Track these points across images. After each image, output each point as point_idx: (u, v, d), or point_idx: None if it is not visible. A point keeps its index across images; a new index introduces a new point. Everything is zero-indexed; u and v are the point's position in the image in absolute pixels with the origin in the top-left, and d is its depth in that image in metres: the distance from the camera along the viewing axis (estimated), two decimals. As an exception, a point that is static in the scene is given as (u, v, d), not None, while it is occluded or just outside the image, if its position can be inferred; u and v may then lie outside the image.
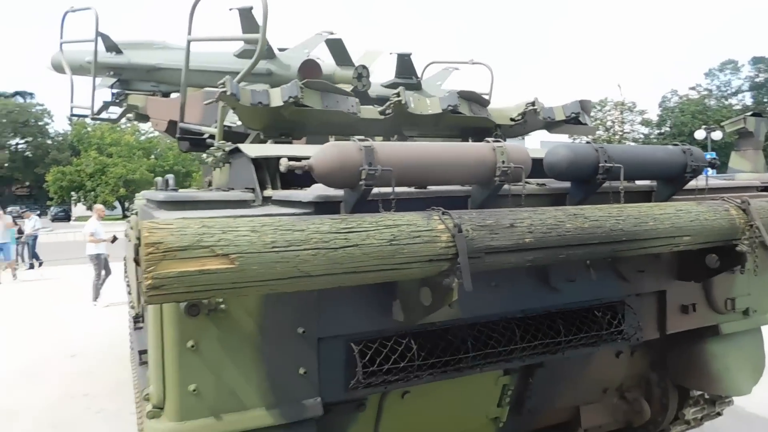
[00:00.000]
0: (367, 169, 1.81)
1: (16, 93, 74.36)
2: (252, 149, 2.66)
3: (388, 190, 1.91)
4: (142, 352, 2.68)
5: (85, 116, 6.72)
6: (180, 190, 2.57)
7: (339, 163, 1.82)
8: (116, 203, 45.41)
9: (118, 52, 6.32)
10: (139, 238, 3.25)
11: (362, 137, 1.91)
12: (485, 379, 2.69)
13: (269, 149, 2.75)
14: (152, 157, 48.84)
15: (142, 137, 49.38)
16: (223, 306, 1.89)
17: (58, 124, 78.59)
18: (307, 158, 1.86)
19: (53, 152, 64.66)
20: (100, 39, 6.12)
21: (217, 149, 3.13)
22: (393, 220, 1.78)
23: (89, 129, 49.24)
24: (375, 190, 1.90)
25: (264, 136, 3.50)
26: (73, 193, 47.95)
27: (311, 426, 2.09)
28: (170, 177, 2.63)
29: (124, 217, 48.46)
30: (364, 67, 5.17)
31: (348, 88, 4.31)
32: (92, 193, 45.39)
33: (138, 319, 3.42)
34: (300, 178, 2.17)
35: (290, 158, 1.83)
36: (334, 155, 1.83)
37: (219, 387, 1.92)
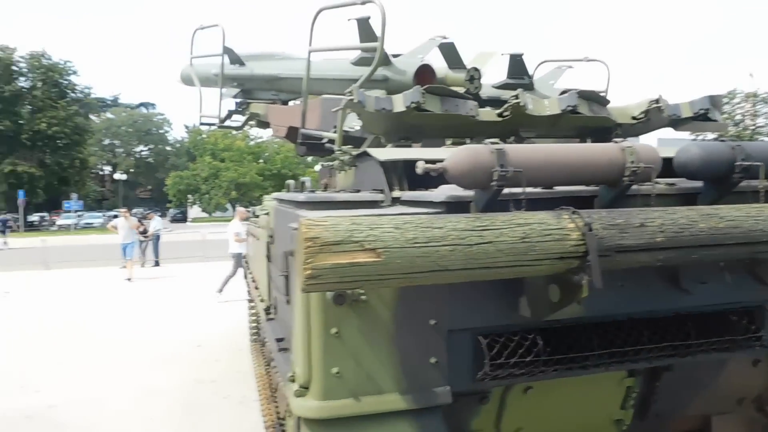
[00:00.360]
0: (499, 170, 1.94)
1: (140, 104, 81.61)
2: (380, 153, 2.86)
3: (518, 190, 2.03)
4: (279, 340, 2.96)
5: (213, 125, 7.34)
6: (317, 192, 2.82)
7: (472, 165, 1.96)
8: (228, 205, 48.64)
9: (242, 64, 6.86)
10: (271, 236, 3.56)
11: (494, 140, 2.03)
12: (609, 380, 2.70)
13: (395, 153, 2.95)
14: (260, 161, 51.70)
15: (252, 142, 52.42)
16: (363, 297, 2.09)
17: (176, 132, 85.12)
18: (441, 161, 2.02)
19: (172, 158, 70.41)
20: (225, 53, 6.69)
21: (344, 153, 3.38)
22: (524, 218, 1.89)
23: (204, 136, 53.01)
24: (505, 190, 2.02)
25: (384, 140, 3.71)
26: (189, 195, 51.87)
27: (438, 413, 2.24)
28: (307, 180, 2.90)
29: (236, 218, 51.56)
30: (476, 69, 5.27)
31: (459, 90, 4.44)
32: (206, 195, 48.87)
33: (269, 311, 3.76)
34: (424, 179, 2.33)
35: (427, 161, 1.99)
36: (468, 158, 1.97)
37: (358, 371, 2.12)
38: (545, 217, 1.91)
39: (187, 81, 7.84)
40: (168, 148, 75.24)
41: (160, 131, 75.96)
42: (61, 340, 8.56)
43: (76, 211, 49.57)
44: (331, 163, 4.35)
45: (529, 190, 2.06)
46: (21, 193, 46.51)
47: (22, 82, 59.76)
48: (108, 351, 7.77)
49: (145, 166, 74.06)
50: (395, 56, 5.40)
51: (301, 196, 2.52)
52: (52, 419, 5.33)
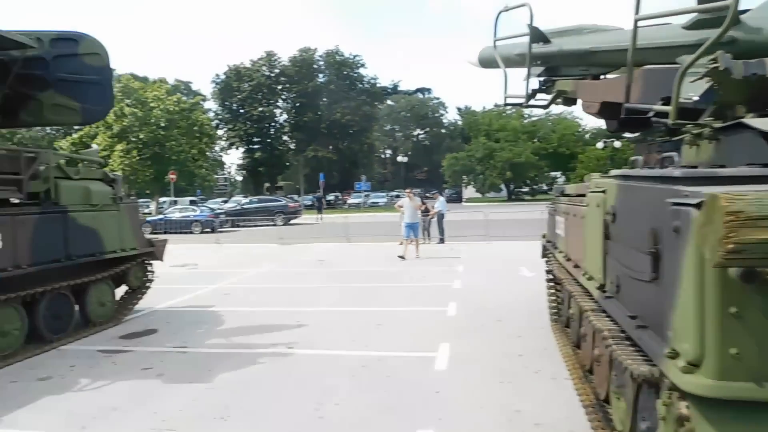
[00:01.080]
0: None
1: (417, 90, 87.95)
2: (765, 124, 2.67)
3: None
4: (633, 317, 3.02)
5: (518, 104, 7.58)
6: (696, 168, 2.77)
7: None
8: (502, 186, 49.80)
9: (546, 42, 6.92)
10: (613, 214, 3.57)
11: None
12: None
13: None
14: (535, 140, 51.43)
15: (526, 121, 52.42)
16: (769, 277, 2.01)
17: (451, 115, 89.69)
18: None
19: (446, 140, 74.54)
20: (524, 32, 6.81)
21: (701, 126, 3.23)
22: None
23: (478, 117, 54.89)
24: None
25: (747, 110, 3.42)
26: (464, 176, 54.34)
27: None
28: (674, 154, 2.86)
29: (510, 199, 52.86)
30: None
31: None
32: (481, 176, 50.55)
33: (603, 289, 3.82)
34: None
35: None
36: None
37: (762, 355, 2.05)
38: None
39: (485, 63, 8.20)
40: (443, 130, 79.86)
41: (436, 115, 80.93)
42: (371, 304, 9.90)
43: (365, 191, 56.05)
44: (658, 138, 4.17)
45: None
46: (321, 175, 54.39)
47: (321, 78, 69.51)
48: (412, 318, 8.73)
49: (422, 149, 79.84)
50: (742, 12, 4.87)
51: (676, 172, 2.51)
52: (384, 370, 6.24)
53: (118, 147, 39.49)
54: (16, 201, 7.44)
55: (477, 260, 15.41)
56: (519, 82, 7.65)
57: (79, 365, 6.85)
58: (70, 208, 8.02)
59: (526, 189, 55.12)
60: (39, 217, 7.47)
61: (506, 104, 7.81)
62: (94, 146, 28.41)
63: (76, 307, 8.47)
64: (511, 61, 7.58)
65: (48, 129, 51.92)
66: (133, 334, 8.40)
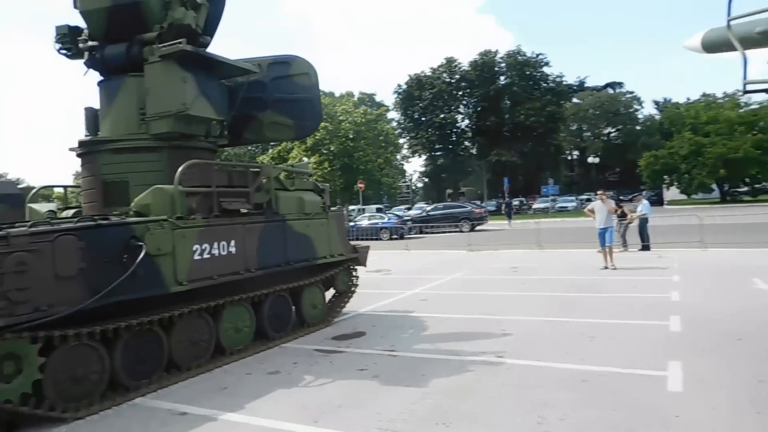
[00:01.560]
0: None
1: (606, 85, 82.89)
2: None
3: None
4: None
5: (761, 91, 6.70)
6: None
7: None
8: (714, 185, 44.64)
9: (802, 11, 6.01)
10: None
11: None
12: None
13: None
14: (755, 132, 45.33)
15: (742, 110, 46.52)
16: None
17: (646, 109, 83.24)
18: None
19: (642, 137, 69.07)
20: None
21: None
22: None
23: (681, 110, 49.96)
24: None
25: None
26: (665, 176, 49.76)
27: None
28: None
29: (723, 200, 47.21)
30: None
31: None
32: (686, 175, 45.88)
33: None
34: None
35: None
36: None
37: None
38: None
39: (711, 47, 7.38)
40: (638, 127, 74.18)
41: (629, 110, 75.49)
42: (578, 314, 9.41)
43: (552, 195, 54.13)
44: None
45: None
46: (506, 180, 53.76)
47: (502, 81, 68.85)
48: (629, 332, 8.13)
49: (613, 148, 74.94)
50: None
51: None
52: (607, 386, 5.87)
53: (312, 159, 42.85)
54: (245, 211, 8.33)
55: (694, 270, 13.96)
56: (761, 65, 6.77)
57: (301, 362, 7.46)
58: (288, 217, 8.78)
59: (744, 188, 48.29)
60: (264, 225, 8.29)
61: (746, 92, 6.91)
62: (305, 160, 31.22)
63: (293, 309, 9.25)
64: (750, 41, 6.73)
65: (249, 146, 58.19)
66: (344, 335, 8.95)
